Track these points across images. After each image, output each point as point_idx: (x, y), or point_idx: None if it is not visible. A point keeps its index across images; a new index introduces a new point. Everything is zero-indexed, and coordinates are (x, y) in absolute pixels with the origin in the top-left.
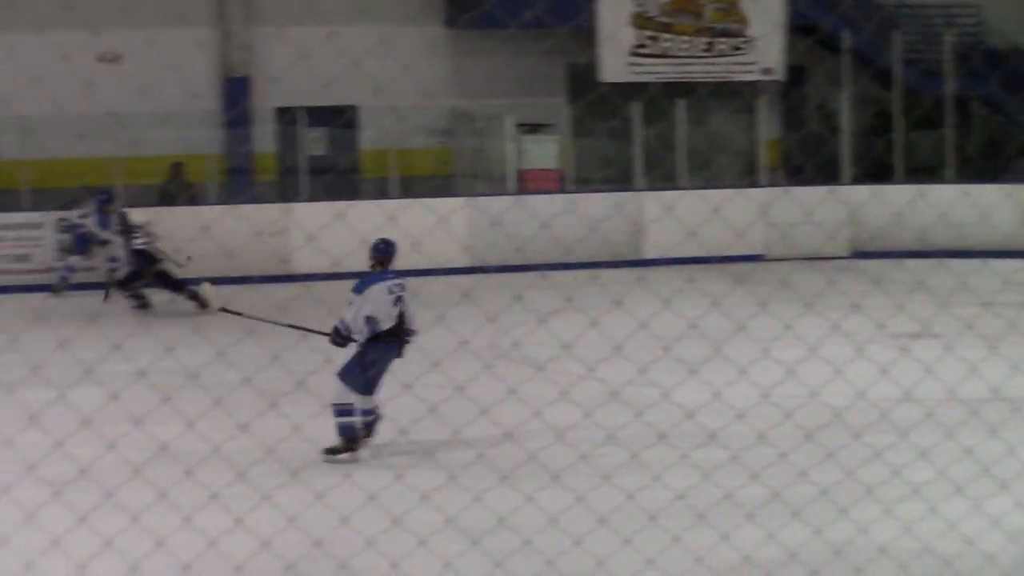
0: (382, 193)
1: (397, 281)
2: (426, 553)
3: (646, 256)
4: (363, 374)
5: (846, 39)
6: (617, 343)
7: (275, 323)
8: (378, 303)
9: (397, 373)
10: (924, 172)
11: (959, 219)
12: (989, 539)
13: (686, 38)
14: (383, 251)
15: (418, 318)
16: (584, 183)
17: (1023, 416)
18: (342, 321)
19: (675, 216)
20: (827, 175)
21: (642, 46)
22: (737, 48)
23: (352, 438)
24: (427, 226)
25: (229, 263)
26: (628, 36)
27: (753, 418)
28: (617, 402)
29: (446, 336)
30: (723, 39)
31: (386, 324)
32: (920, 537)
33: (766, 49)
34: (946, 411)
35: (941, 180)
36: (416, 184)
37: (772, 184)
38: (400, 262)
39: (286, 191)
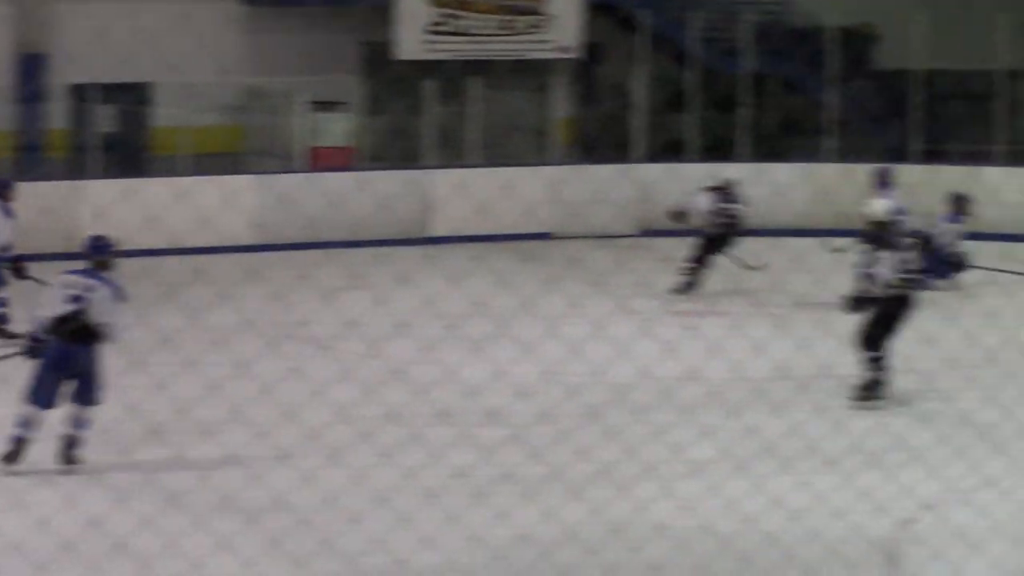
0: (173, 170)
1: (88, 281)
2: (200, 531)
3: (436, 234)
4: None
5: (644, 18)
6: (402, 321)
7: None
8: (55, 299)
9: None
10: (719, 151)
11: (753, 196)
12: (770, 518)
13: (483, 16)
14: (93, 248)
15: (118, 318)
16: (377, 161)
17: (808, 395)
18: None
19: (465, 194)
20: (621, 154)
21: (439, 24)
22: (535, 26)
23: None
24: (216, 204)
25: (19, 240)
26: (425, 14)
27: (536, 396)
28: (400, 380)
29: (230, 315)
30: (521, 17)
31: (48, 320)
32: (701, 515)
33: (564, 27)
34: (731, 390)
35: (732, 158)
36: (208, 162)
37: (564, 162)
38: (189, 239)
39: (77, 168)
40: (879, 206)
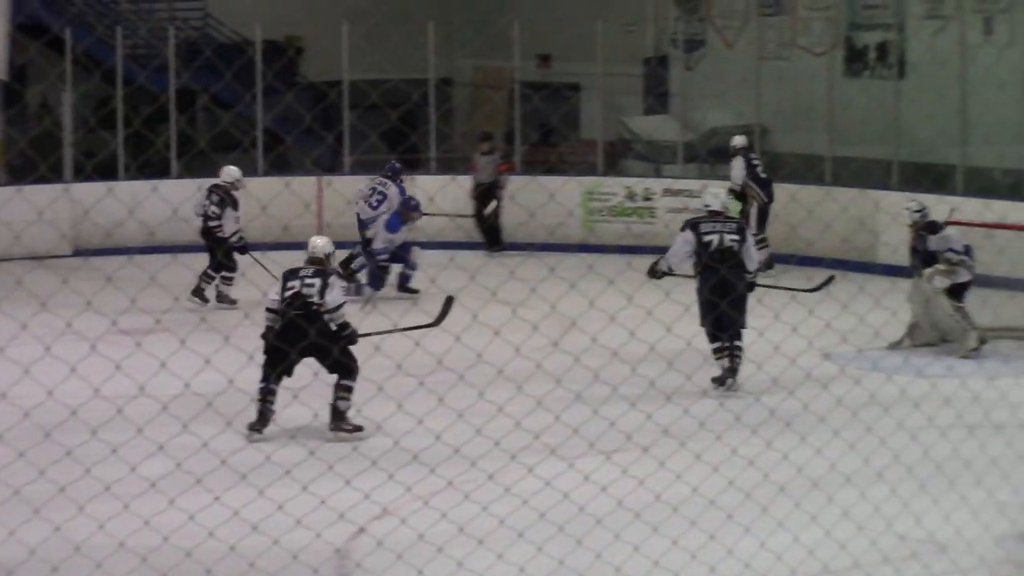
0: None
1: None
2: None
3: None
4: None
5: (69, 39)
6: None
7: None
8: None
9: None
10: (154, 167)
11: (190, 213)
12: (230, 529)
13: None
14: None
15: None
16: None
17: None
18: None
19: None
20: (56, 174)
21: None
22: None
23: None
24: None
25: None
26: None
27: None
28: None
29: None
30: None
31: None
32: (159, 529)
33: None
34: (181, 405)
35: (170, 175)
36: None
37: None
38: None
39: None
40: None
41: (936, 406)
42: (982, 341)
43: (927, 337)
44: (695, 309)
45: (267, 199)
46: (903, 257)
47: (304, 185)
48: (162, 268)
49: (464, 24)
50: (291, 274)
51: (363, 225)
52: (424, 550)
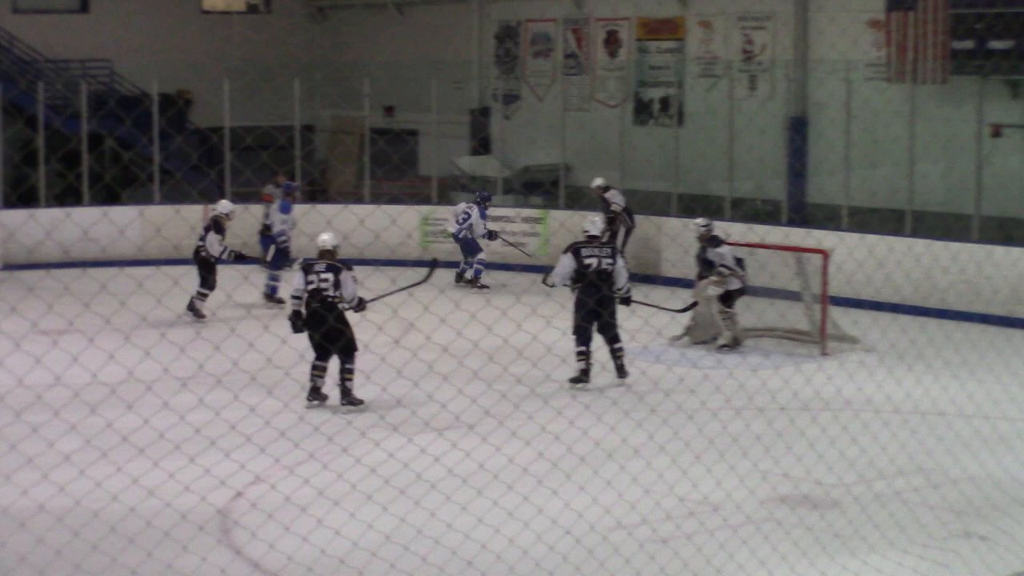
0: None
1: None
2: None
3: None
4: None
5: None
6: None
7: None
8: None
9: None
10: (71, 196)
11: (98, 235)
12: (131, 495)
13: None
14: None
15: None
16: None
17: (120, 396)
18: None
19: None
20: None
21: None
22: None
23: None
24: None
25: None
26: None
27: None
28: None
29: None
30: None
31: None
32: (72, 495)
33: None
34: (91, 392)
35: (82, 203)
36: None
37: None
38: None
39: None
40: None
41: (708, 392)
42: (736, 341)
43: (703, 335)
44: (513, 312)
45: (161, 223)
46: (682, 271)
47: (192, 212)
48: (74, 280)
49: (323, 80)
50: (308, 268)
51: (454, 238)
52: (290, 510)
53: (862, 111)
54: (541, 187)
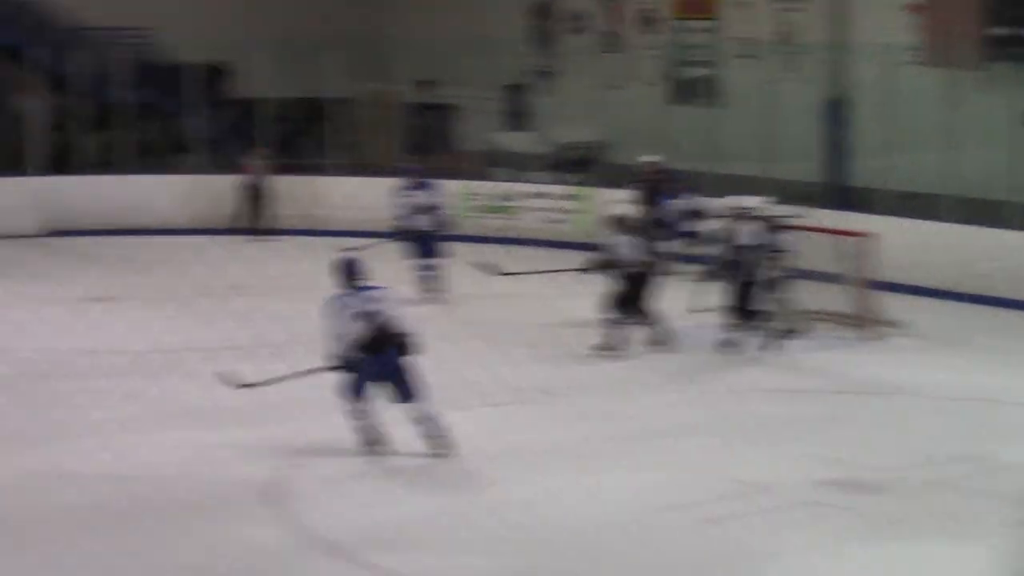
0: None
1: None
2: None
3: None
4: None
5: (35, 56)
6: None
7: None
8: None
9: None
10: (104, 165)
11: (139, 202)
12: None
13: None
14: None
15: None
16: None
17: (178, 364)
18: None
19: None
20: (19, 167)
21: None
22: None
23: None
24: None
25: None
26: None
27: None
28: None
29: None
30: None
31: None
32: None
33: None
34: (150, 360)
35: (118, 171)
36: None
37: None
38: None
39: None
40: None
41: (759, 375)
42: (790, 326)
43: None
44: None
45: (214, 194)
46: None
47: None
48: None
49: (360, 56)
50: None
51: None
52: (347, 480)
53: (899, 96)
54: (581, 164)
